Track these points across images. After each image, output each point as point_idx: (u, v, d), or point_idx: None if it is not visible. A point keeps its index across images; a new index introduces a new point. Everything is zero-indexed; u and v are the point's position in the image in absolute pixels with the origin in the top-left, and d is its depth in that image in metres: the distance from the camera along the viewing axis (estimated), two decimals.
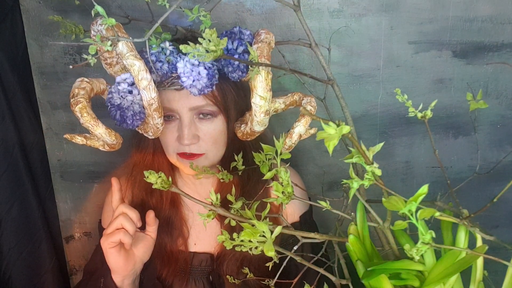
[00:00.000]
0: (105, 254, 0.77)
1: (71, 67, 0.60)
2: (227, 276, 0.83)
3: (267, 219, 0.58)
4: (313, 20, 0.98)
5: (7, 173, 0.95)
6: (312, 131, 0.74)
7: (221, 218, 0.60)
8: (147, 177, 0.56)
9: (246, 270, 0.78)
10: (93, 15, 0.61)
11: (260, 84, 0.65)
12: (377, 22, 0.98)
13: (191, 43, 0.54)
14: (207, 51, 0.54)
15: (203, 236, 0.90)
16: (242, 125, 0.76)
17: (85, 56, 0.61)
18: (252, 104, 0.67)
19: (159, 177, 0.56)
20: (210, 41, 0.52)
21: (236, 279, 0.82)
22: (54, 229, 1.14)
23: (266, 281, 0.71)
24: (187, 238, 0.89)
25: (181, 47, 0.54)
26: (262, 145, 0.63)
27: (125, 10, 0.94)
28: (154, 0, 0.67)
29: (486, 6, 0.97)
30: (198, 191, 0.90)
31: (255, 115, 0.68)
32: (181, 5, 0.61)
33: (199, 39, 0.54)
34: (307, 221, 0.94)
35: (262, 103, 0.66)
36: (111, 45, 0.61)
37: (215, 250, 0.90)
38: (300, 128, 0.70)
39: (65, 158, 1.12)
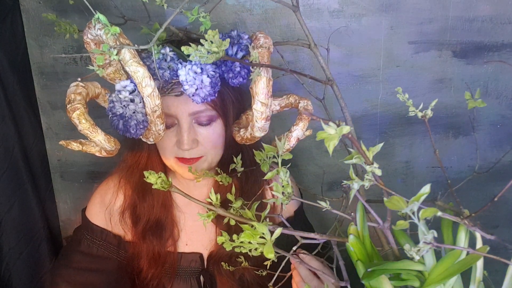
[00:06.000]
0: None
1: (79, 79, 0.59)
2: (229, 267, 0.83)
3: (267, 219, 0.58)
4: (313, 20, 0.98)
5: (7, 173, 0.95)
6: (308, 132, 0.74)
7: (216, 220, 0.60)
8: (147, 177, 0.56)
9: (241, 258, 0.77)
10: (93, 23, 0.60)
11: (262, 91, 0.65)
12: (377, 22, 0.98)
13: (192, 45, 0.53)
14: (208, 53, 0.53)
15: (195, 236, 0.91)
16: (242, 130, 0.76)
17: (91, 67, 0.60)
18: (253, 110, 0.67)
19: (159, 177, 0.56)
20: (212, 42, 0.52)
21: (232, 279, 0.82)
22: (54, 229, 1.14)
23: (259, 271, 0.72)
24: (177, 240, 0.90)
25: (183, 48, 0.53)
26: (264, 145, 0.63)
27: (122, 10, 0.93)
28: (151, 1, 0.67)
29: (486, 6, 0.97)
30: (192, 193, 0.89)
31: (256, 121, 0.68)
32: (179, 6, 0.61)
33: (201, 41, 0.53)
34: (302, 215, 0.96)
35: (263, 109, 0.66)
36: (117, 54, 0.60)
37: (208, 250, 0.90)
38: (298, 132, 0.71)
39: (65, 158, 1.12)
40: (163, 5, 0.63)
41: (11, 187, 0.97)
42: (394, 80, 1.03)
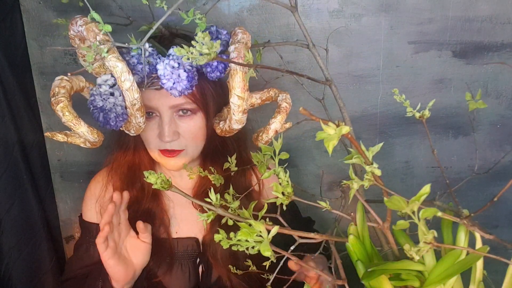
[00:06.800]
0: (105, 266, 0.78)
1: (69, 74, 0.60)
2: (229, 266, 0.83)
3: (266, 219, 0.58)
4: (313, 20, 0.98)
5: (7, 173, 0.95)
6: (287, 125, 0.76)
7: (200, 206, 0.60)
8: (147, 177, 0.56)
9: (249, 262, 0.77)
10: (89, 19, 0.61)
11: (238, 84, 0.67)
12: (377, 22, 0.98)
13: (185, 46, 0.54)
14: (200, 54, 0.54)
15: (184, 223, 0.92)
16: (221, 122, 0.78)
17: (81, 62, 0.61)
18: (230, 103, 0.69)
19: (159, 177, 0.56)
20: (203, 44, 0.52)
21: (230, 268, 0.81)
22: (54, 229, 1.14)
23: (265, 275, 0.72)
24: (169, 226, 0.91)
25: (175, 50, 0.54)
26: (261, 145, 0.63)
27: (125, 11, 0.93)
28: (151, 1, 0.68)
29: (486, 6, 0.97)
30: (177, 183, 0.91)
31: (233, 113, 0.70)
32: (180, 7, 0.61)
33: (192, 42, 0.53)
34: (293, 207, 0.97)
35: (240, 102, 0.68)
36: (107, 52, 0.61)
37: (200, 235, 0.91)
38: (276, 125, 0.74)
39: (65, 158, 1.12)
40: (163, 7, 0.64)
41: (11, 187, 0.96)
42: (394, 80, 1.03)
